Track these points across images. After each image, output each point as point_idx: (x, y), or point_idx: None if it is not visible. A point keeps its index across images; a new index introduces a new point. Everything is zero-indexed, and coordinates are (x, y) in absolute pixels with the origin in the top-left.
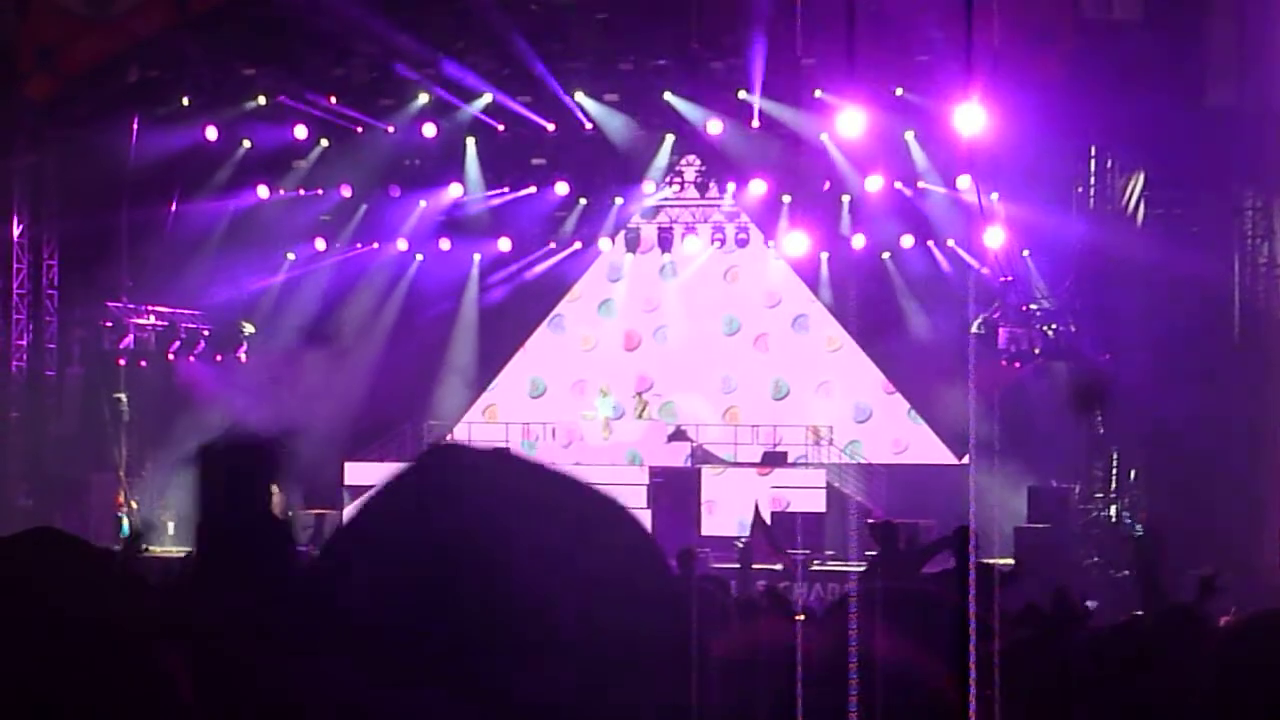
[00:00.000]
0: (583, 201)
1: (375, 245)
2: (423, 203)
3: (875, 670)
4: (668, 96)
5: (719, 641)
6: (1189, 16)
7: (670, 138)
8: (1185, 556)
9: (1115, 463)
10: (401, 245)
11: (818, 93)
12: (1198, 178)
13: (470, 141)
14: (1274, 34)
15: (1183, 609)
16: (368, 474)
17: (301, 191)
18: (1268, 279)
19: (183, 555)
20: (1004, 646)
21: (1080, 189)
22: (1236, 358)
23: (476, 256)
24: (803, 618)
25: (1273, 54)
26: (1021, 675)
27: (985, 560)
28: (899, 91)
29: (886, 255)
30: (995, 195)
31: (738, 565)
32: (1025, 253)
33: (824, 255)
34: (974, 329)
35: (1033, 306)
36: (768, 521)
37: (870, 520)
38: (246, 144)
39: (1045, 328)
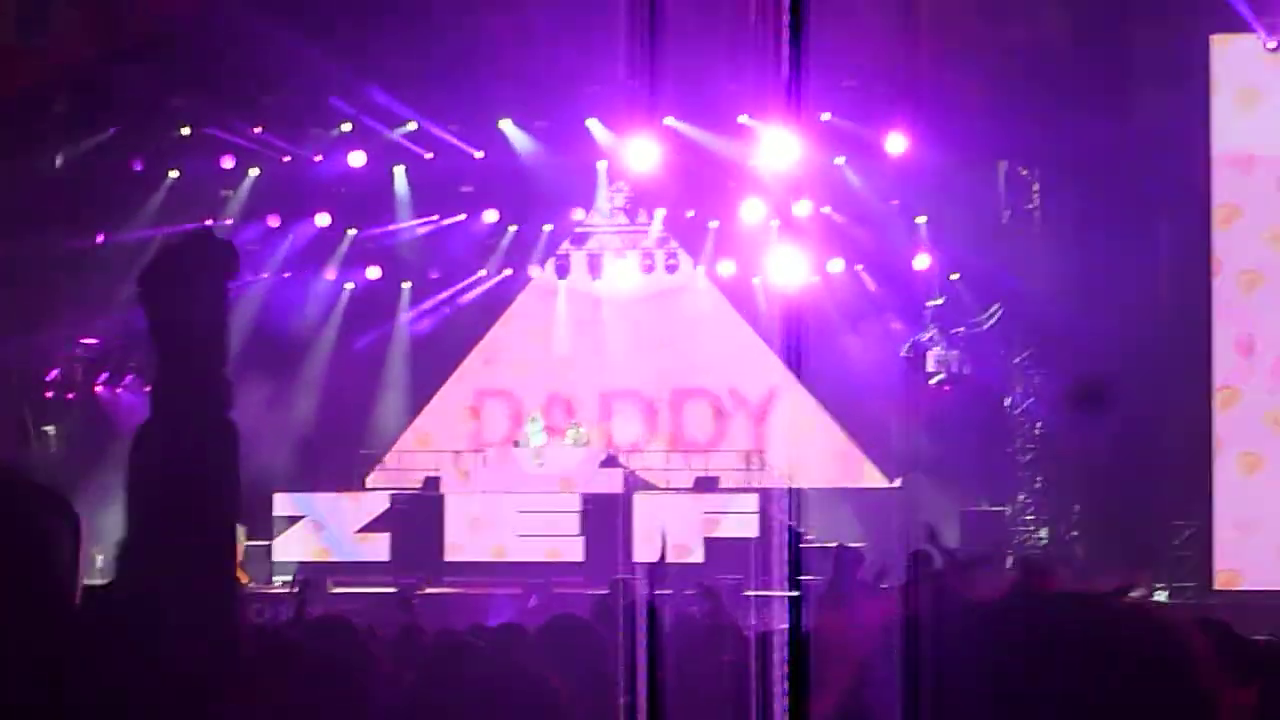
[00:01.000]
0: (512, 229)
1: (305, 274)
2: (352, 231)
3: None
4: (596, 123)
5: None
6: (1116, 37)
7: (600, 164)
8: (1113, 580)
9: (1042, 484)
10: (331, 274)
11: (745, 119)
12: (1127, 197)
13: (399, 169)
14: (1198, 55)
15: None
16: (298, 505)
17: (230, 221)
18: (1197, 299)
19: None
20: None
21: (1009, 211)
22: (1166, 376)
23: (406, 285)
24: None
25: (1198, 75)
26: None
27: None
28: (825, 117)
29: (816, 279)
30: (923, 219)
31: (671, 592)
32: (954, 276)
33: (755, 281)
34: (903, 352)
35: (960, 330)
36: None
37: (836, 545)
38: (174, 174)
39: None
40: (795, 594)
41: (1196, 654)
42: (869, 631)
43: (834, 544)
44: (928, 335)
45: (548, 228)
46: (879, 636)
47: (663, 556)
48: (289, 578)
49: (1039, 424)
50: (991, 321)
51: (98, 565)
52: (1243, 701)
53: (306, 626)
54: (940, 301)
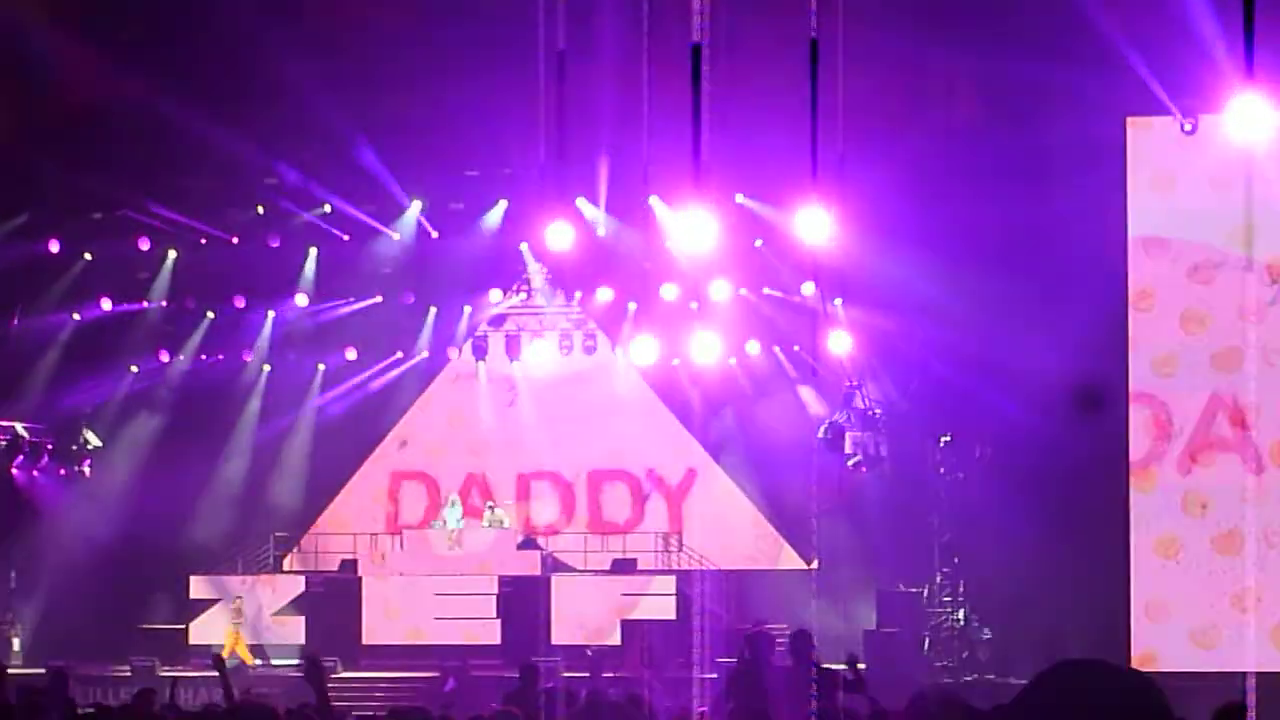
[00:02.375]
0: (430, 310)
1: (220, 356)
2: (271, 313)
3: None
4: (513, 204)
5: None
6: (1032, 120)
7: (517, 245)
8: (1030, 660)
9: (959, 564)
10: (247, 356)
11: (656, 200)
12: (1046, 278)
13: (314, 251)
14: (1115, 137)
15: None
16: (214, 587)
17: (145, 303)
18: (1115, 379)
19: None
20: None
21: (927, 292)
22: (1085, 458)
23: (321, 366)
24: None
25: (1115, 157)
26: None
27: (829, 665)
28: (740, 199)
29: (733, 361)
30: (839, 301)
31: (588, 674)
32: (870, 360)
33: (675, 362)
34: (821, 434)
35: (877, 411)
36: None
37: (748, 629)
38: (88, 256)
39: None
40: (712, 676)
41: None
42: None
43: (750, 626)
44: (845, 417)
45: (465, 309)
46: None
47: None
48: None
49: (955, 505)
50: (904, 400)
51: (15, 648)
52: None
53: (235, 711)
54: (856, 384)
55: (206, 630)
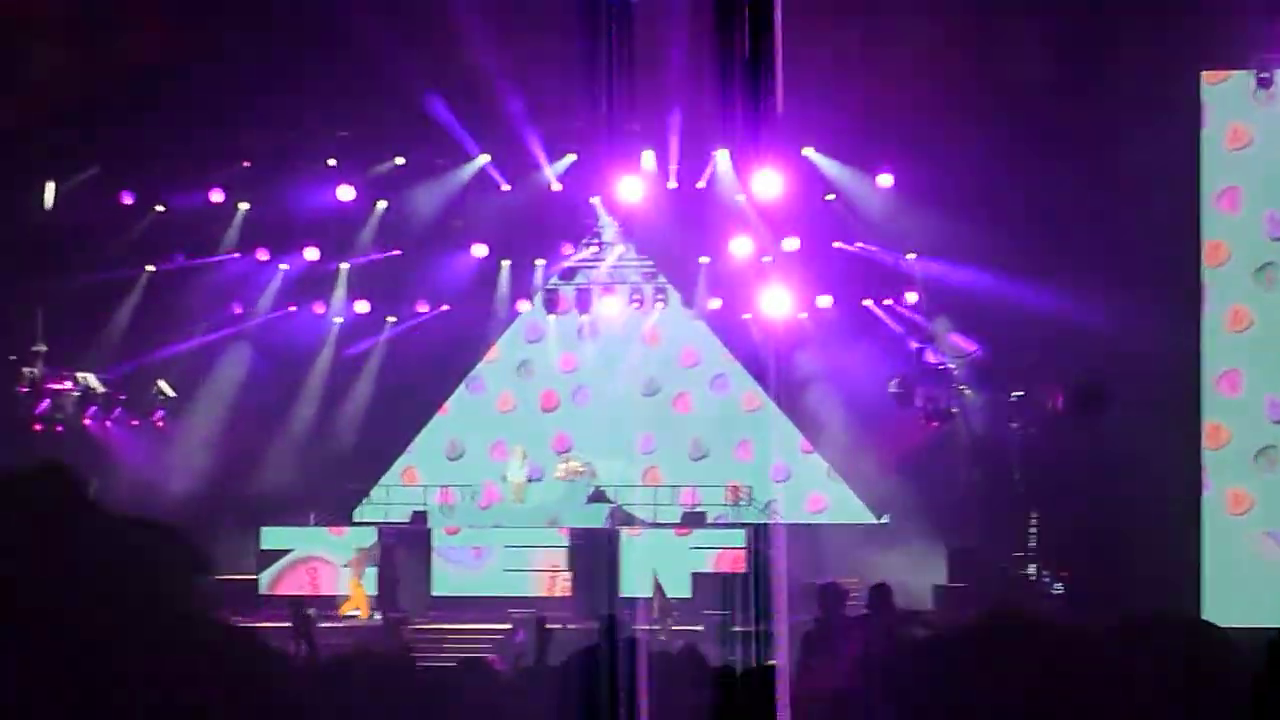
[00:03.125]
0: (501, 263)
1: (293, 309)
2: (343, 265)
3: None
4: (585, 158)
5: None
6: (1103, 74)
7: (588, 199)
8: (1101, 615)
9: (1033, 521)
10: (319, 308)
11: (731, 155)
12: (1118, 234)
13: (385, 204)
14: (1188, 90)
15: None
16: (286, 539)
17: (218, 256)
18: (1187, 337)
19: None
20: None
21: (998, 248)
22: (1157, 415)
23: (391, 319)
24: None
25: (1187, 108)
26: None
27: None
28: (809, 152)
29: (804, 315)
30: (912, 255)
31: (658, 627)
32: (942, 317)
33: (746, 316)
34: (891, 389)
35: (950, 365)
36: (664, 591)
37: (820, 583)
38: (160, 208)
39: (961, 387)
40: (783, 629)
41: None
42: (853, 666)
43: (820, 580)
44: (915, 372)
45: (537, 262)
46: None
47: (659, 592)
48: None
49: (1029, 459)
50: (976, 354)
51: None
52: None
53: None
54: (927, 338)
55: (278, 581)
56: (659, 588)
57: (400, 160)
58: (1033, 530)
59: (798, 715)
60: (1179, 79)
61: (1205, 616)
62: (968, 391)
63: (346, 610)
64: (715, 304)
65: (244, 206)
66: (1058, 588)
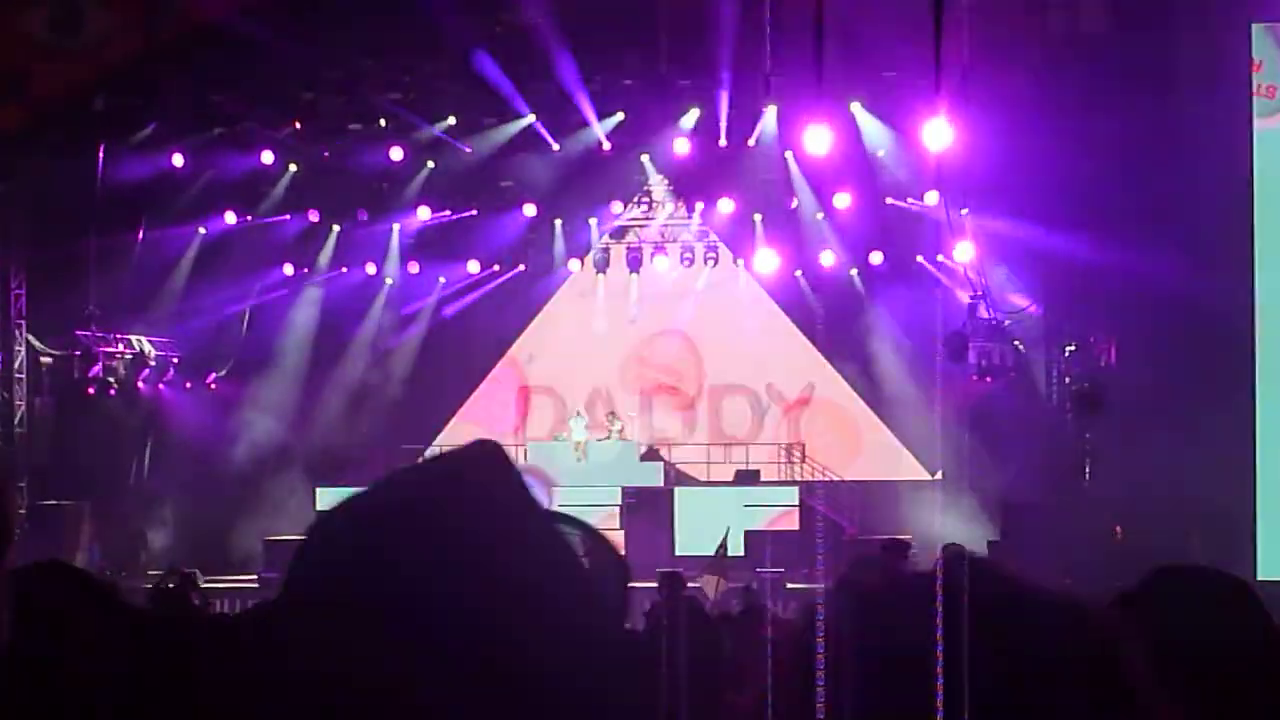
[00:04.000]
0: (552, 222)
1: (344, 269)
2: (396, 225)
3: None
4: (635, 116)
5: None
6: (1156, 28)
7: (638, 157)
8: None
9: (1088, 476)
10: (371, 269)
11: (783, 110)
12: (1171, 188)
13: (436, 163)
14: (1241, 42)
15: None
16: (340, 499)
17: (269, 217)
18: (1242, 288)
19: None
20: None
21: (1051, 202)
22: (1212, 367)
23: (441, 280)
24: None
25: (1240, 62)
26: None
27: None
28: (860, 107)
29: (855, 272)
30: (965, 210)
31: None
32: (998, 269)
33: (797, 273)
34: (944, 345)
35: (1006, 322)
36: (725, 552)
37: (883, 539)
38: (212, 170)
39: (1016, 342)
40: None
41: None
42: (910, 624)
43: (875, 536)
44: (968, 326)
45: (590, 221)
46: (918, 629)
47: (723, 550)
48: None
49: (1082, 415)
50: (1031, 309)
51: (142, 560)
52: None
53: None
54: (981, 294)
55: None
56: (723, 545)
57: (451, 120)
58: (1088, 483)
59: (851, 674)
60: (1230, 30)
61: (1259, 571)
62: (1022, 347)
63: None
64: (767, 261)
65: (293, 168)
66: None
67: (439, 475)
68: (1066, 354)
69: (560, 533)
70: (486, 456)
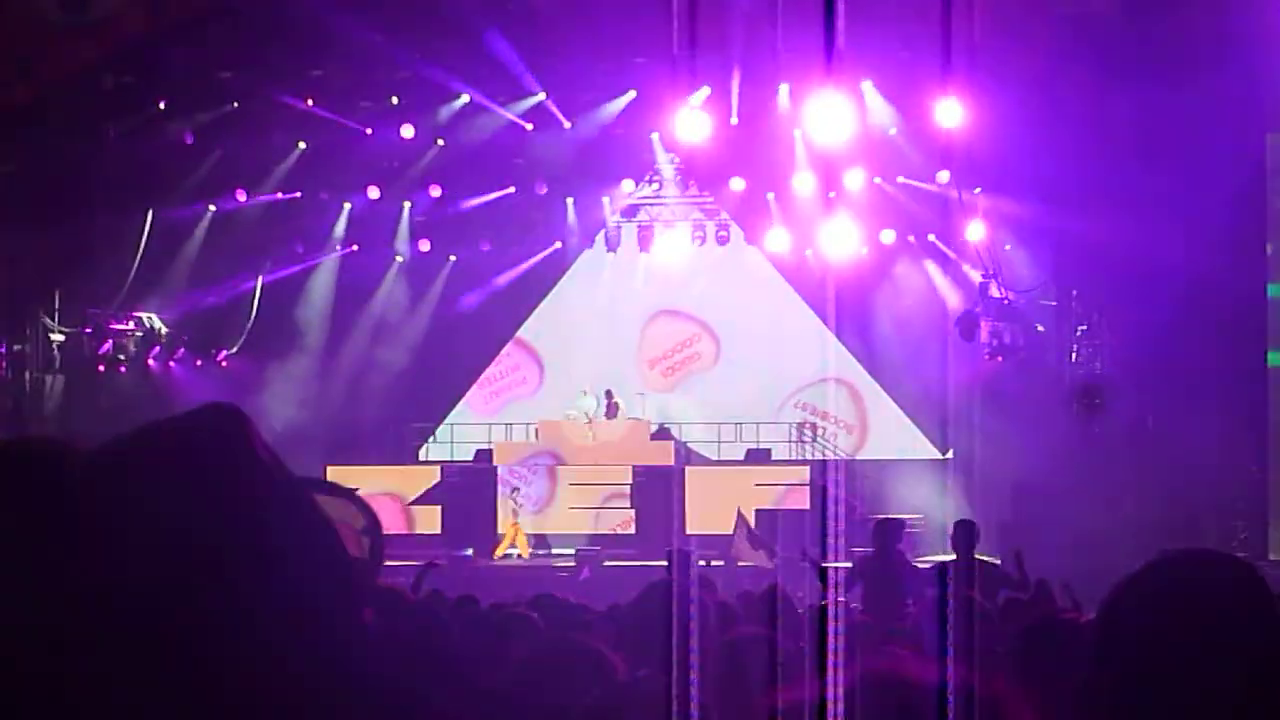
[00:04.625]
0: (564, 201)
1: (355, 248)
2: (406, 204)
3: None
4: (646, 94)
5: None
6: (1169, 7)
7: (649, 135)
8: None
9: (1099, 457)
10: (383, 247)
11: (794, 88)
12: (1184, 167)
13: (447, 142)
14: (1255, 21)
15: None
16: (350, 477)
17: (280, 195)
18: (1255, 269)
19: None
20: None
21: (1063, 182)
22: (1224, 350)
23: (452, 258)
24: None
25: (1255, 41)
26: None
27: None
28: (871, 86)
29: (866, 250)
30: (977, 189)
31: (723, 563)
32: (1007, 247)
33: (808, 252)
34: (955, 323)
35: (1014, 299)
36: (750, 522)
37: (880, 518)
38: (222, 148)
39: (1037, 326)
40: (847, 565)
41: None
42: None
43: (883, 516)
44: (980, 306)
45: (602, 200)
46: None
47: (745, 526)
48: None
49: (1091, 393)
50: (1049, 302)
51: None
52: None
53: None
54: (992, 273)
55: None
56: (742, 520)
57: (464, 99)
58: (1101, 465)
59: (860, 651)
60: (1246, 12)
61: (1270, 551)
62: (1040, 327)
63: (502, 550)
64: (779, 240)
65: (301, 146)
66: (1129, 523)
67: (166, 435)
68: (1079, 334)
69: (300, 495)
70: (221, 420)
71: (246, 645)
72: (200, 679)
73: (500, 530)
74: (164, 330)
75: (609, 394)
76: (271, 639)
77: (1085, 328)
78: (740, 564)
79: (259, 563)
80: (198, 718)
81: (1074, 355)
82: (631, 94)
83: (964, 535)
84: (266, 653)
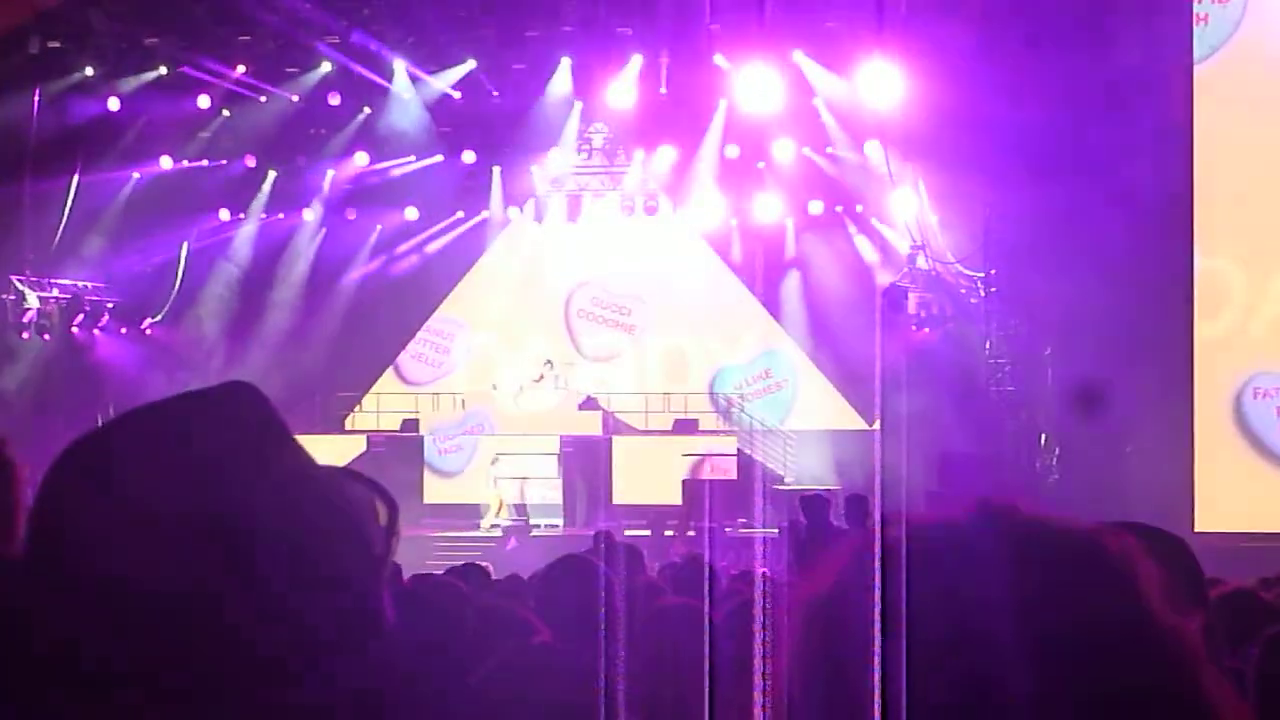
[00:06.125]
0: (490, 170)
1: (280, 215)
2: (331, 172)
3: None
4: (575, 63)
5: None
6: None
7: (578, 105)
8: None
9: (1022, 425)
10: (308, 215)
11: (723, 59)
12: (1111, 135)
13: (374, 109)
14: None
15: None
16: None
17: (205, 162)
18: (1180, 233)
19: None
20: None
21: (990, 151)
22: (1148, 318)
23: (378, 227)
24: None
25: (1182, 11)
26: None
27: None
28: (801, 56)
29: (789, 222)
30: (906, 161)
31: (649, 533)
32: (934, 218)
33: (733, 222)
34: (882, 295)
35: (950, 269)
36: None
37: (803, 493)
38: (148, 114)
39: (976, 296)
40: (773, 531)
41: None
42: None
43: (810, 487)
44: (908, 277)
45: (529, 170)
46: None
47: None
48: None
49: (1019, 366)
50: (977, 273)
51: None
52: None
53: None
54: (921, 244)
55: None
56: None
57: (392, 66)
58: (1024, 433)
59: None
60: None
61: (1197, 521)
62: (975, 299)
63: (489, 520)
64: (708, 211)
65: (226, 112)
66: (1053, 492)
67: (180, 412)
68: (1002, 304)
69: (315, 473)
70: (237, 397)
71: (286, 646)
72: (235, 668)
73: (485, 501)
74: (89, 298)
75: (549, 364)
76: (304, 641)
77: (1009, 297)
78: (666, 534)
79: (296, 549)
80: (233, 696)
81: (998, 326)
82: (565, 62)
83: (857, 509)
84: (305, 652)
